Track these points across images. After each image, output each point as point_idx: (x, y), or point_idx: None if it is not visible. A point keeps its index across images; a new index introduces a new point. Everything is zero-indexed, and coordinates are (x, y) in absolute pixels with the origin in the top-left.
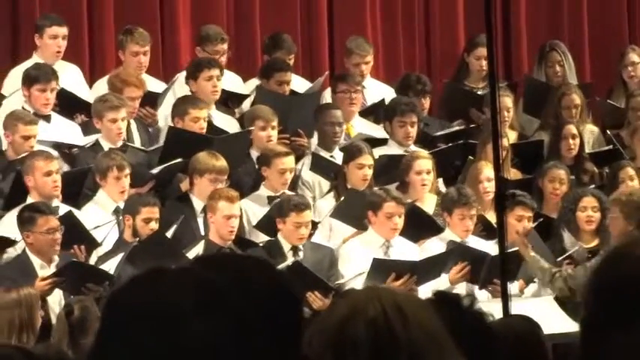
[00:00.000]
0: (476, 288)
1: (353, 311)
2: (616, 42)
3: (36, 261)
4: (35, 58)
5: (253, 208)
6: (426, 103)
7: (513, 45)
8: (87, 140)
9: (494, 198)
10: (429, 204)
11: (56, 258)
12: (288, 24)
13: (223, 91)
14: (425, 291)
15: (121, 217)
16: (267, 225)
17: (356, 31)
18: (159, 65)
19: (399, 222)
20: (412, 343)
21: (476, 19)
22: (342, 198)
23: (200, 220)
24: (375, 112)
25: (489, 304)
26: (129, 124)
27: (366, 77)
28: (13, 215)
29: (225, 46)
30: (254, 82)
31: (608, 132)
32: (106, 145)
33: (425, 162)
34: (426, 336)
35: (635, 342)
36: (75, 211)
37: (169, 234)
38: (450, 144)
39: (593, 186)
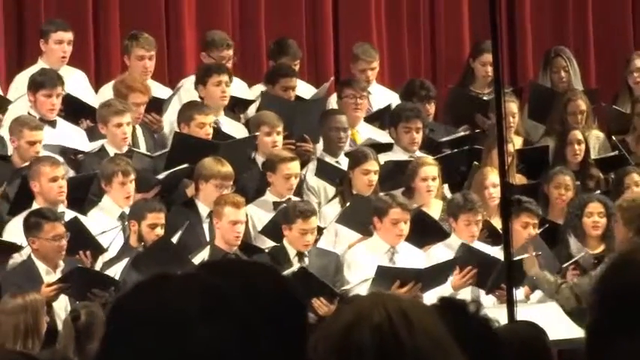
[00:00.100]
0: (481, 293)
1: (358, 317)
2: (621, 47)
3: (41, 267)
4: (40, 64)
5: (259, 214)
6: (431, 108)
7: (519, 51)
8: (92, 146)
9: (500, 203)
10: (434, 210)
11: (61, 264)
12: (293, 29)
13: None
14: (430, 297)
15: (126, 223)
16: (273, 230)
17: (361, 36)
18: (164, 70)
19: (405, 228)
20: (417, 349)
21: (481, 25)
22: (348, 204)
23: (205, 226)
24: (381, 118)
25: (495, 310)
26: (134, 130)
27: (372, 83)
28: (18, 221)
29: (230, 52)
30: (259, 87)
31: (614, 138)
32: (111, 151)
33: (431, 168)
34: (432, 342)
35: (639, 348)
36: (81, 217)
37: (175, 239)
38: (456, 150)
39: (598, 192)
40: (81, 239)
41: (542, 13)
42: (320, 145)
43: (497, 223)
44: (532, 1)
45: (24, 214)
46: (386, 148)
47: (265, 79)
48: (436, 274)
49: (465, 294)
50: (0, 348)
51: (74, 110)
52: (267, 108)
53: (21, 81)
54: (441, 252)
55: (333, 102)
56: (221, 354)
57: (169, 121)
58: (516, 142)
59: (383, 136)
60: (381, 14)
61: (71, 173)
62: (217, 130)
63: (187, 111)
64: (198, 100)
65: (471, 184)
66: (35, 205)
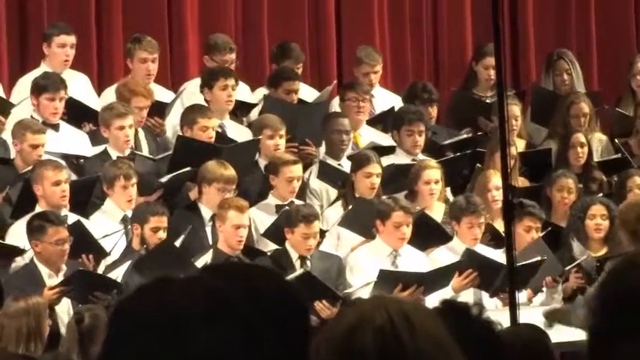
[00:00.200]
0: (484, 296)
1: (360, 320)
2: (624, 50)
3: (44, 270)
4: (43, 67)
5: (261, 217)
6: (433, 111)
7: (521, 54)
8: (95, 150)
9: (503, 206)
10: (437, 213)
11: (64, 267)
12: (296, 33)
13: None
14: (432, 300)
15: (129, 226)
16: (275, 233)
17: (364, 40)
18: (167, 74)
19: (407, 231)
20: (419, 351)
21: (483, 28)
22: (350, 207)
23: (208, 229)
24: (384, 121)
25: (497, 313)
26: (137, 133)
27: (375, 86)
28: (21, 224)
29: (233, 56)
30: (262, 91)
31: (617, 140)
32: (113, 154)
33: (434, 172)
34: (434, 345)
35: None
36: (83, 220)
37: (178, 243)
38: (458, 153)
39: (601, 194)
40: (83, 242)
41: (544, 16)
42: (322, 148)
43: (499, 225)
44: (534, 4)
45: (27, 217)
46: (388, 151)
47: (268, 82)
48: (438, 278)
49: (468, 297)
50: (3, 351)
51: (77, 114)
52: (270, 111)
53: (24, 84)
54: (443, 255)
55: (335, 105)
56: (224, 357)
57: (172, 124)
58: (519, 145)
59: (385, 139)
60: (384, 18)
61: (73, 177)
62: (223, 135)
63: (190, 114)
64: (201, 103)
65: (474, 187)
66: (38, 209)
